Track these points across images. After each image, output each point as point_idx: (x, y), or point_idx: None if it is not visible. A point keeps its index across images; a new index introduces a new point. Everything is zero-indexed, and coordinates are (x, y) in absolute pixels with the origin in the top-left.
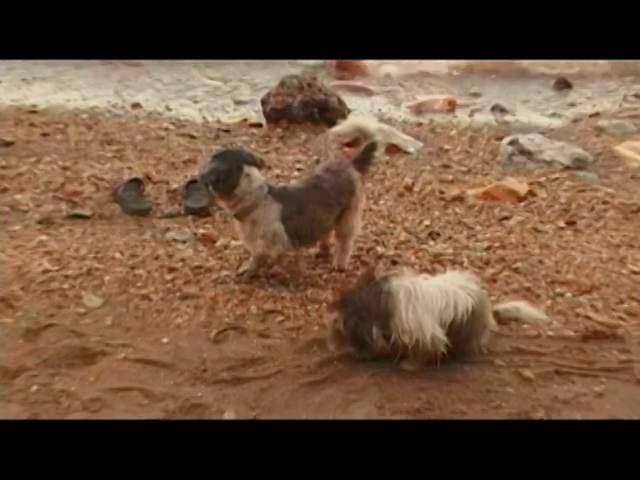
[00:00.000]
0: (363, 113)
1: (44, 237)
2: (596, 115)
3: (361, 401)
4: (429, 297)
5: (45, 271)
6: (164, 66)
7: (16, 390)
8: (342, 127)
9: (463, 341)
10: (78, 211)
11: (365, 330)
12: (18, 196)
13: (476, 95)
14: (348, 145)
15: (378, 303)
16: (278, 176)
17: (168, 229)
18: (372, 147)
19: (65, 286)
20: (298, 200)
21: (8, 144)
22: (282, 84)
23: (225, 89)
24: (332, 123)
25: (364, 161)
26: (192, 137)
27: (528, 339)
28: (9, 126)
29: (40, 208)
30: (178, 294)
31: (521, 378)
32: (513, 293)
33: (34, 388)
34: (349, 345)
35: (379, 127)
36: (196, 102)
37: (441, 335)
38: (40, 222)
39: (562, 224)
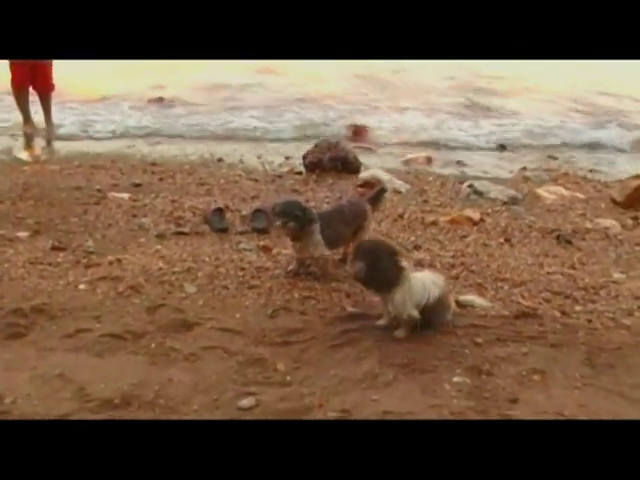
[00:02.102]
0: (378, 168)
1: (159, 246)
2: (524, 169)
3: (368, 358)
4: (414, 288)
5: (160, 268)
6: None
7: (142, 346)
8: (365, 174)
9: (432, 316)
10: (181, 229)
11: (376, 283)
12: (143, 219)
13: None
14: (360, 186)
15: (391, 275)
16: (313, 207)
17: (240, 242)
18: (382, 191)
19: (173, 278)
20: (327, 219)
21: (138, 185)
22: (316, 145)
23: (278, 149)
24: (350, 172)
25: (375, 199)
26: (256, 181)
27: (479, 317)
28: (139, 173)
29: (157, 227)
30: (246, 285)
31: (474, 343)
32: (469, 286)
33: (153, 345)
34: (362, 282)
35: (388, 179)
36: (259, 157)
37: (415, 313)
38: (157, 236)
39: (502, 241)
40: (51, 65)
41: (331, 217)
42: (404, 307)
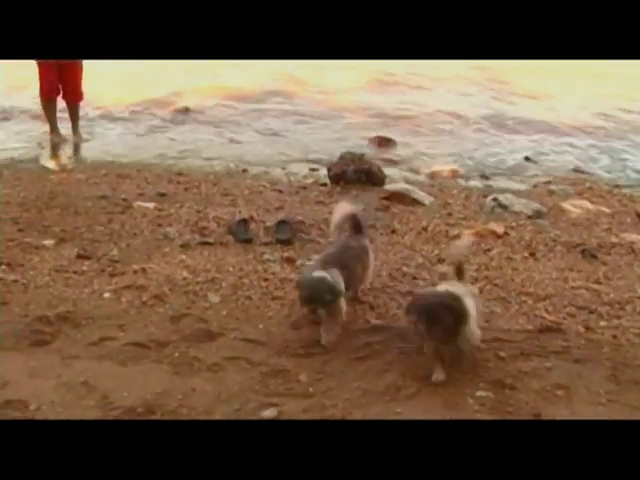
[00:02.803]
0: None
1: (184, 256)
2: (548, 182)
3: (390, 370)
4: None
5: (184, 278)
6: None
7: (165, 355)
8: (335, 218)
9: None
10: (206, 239)
11: (442, 339)
12: (168, 229)
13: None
14: (385, 199)
15: (454, 328)
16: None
17: (264, 252)
18: (355, 218)
19: (197, 288)
20: (341, 260)
21: (163, 195)
22: (341, 157)
23: (303, 161)
24: (374, 184)
25: (358, 228)
26: (280, 192)
27: (502, 331)
28: (164, 183)
29: (182, 237)
30: (270, 296)
31: (498, 357)
32: (493, 300)
33: (176, 355)
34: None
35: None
36: (284, 169)
37: (479, 332)
38: (182, 246)
39: (526, 254)
40: (81, 74)
41: (344, 258)
42: (475, 340)
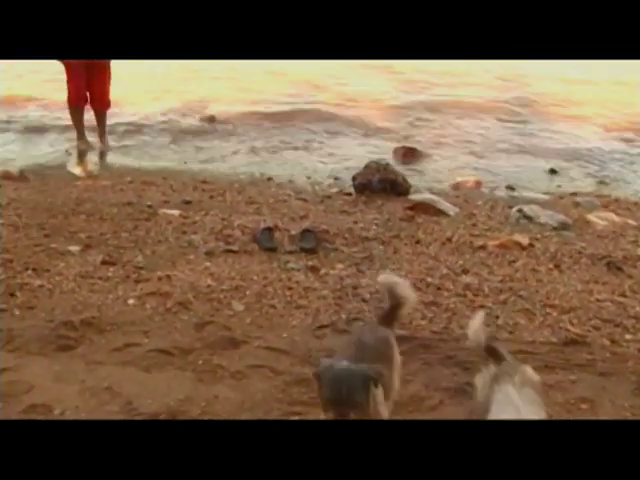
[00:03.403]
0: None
1: (208, 264)
2: (574, 194)
3: (414, 381)
4: None
5: (208, 286)
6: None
7: (189, 362)
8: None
9: None
10: (230, 247)
11: None
12: (193, 236)
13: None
14: (409, 209)
15: None
16: (361, 228)
17: (288, 261)
18: (397, 307)
19: (221, 296)
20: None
21: (188, 202)
22: (366, 167)
23: (328, 171)
24: (399, 194)
25: (391, 317)
26: (305, 201)
27: (527, 344)
28: (189, 191)
29: (206, 245)
30: (294, 304)
31: None
32: (517, 312)
33: (200, 362)
34: None
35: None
36: (309, 178)
37: None
38: (206, 254)
39: (551, 266)
40: (109, 82)
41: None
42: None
